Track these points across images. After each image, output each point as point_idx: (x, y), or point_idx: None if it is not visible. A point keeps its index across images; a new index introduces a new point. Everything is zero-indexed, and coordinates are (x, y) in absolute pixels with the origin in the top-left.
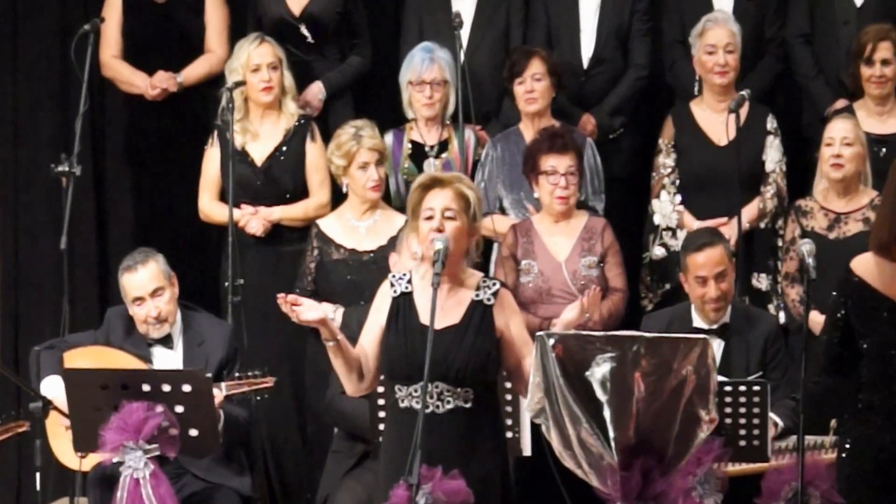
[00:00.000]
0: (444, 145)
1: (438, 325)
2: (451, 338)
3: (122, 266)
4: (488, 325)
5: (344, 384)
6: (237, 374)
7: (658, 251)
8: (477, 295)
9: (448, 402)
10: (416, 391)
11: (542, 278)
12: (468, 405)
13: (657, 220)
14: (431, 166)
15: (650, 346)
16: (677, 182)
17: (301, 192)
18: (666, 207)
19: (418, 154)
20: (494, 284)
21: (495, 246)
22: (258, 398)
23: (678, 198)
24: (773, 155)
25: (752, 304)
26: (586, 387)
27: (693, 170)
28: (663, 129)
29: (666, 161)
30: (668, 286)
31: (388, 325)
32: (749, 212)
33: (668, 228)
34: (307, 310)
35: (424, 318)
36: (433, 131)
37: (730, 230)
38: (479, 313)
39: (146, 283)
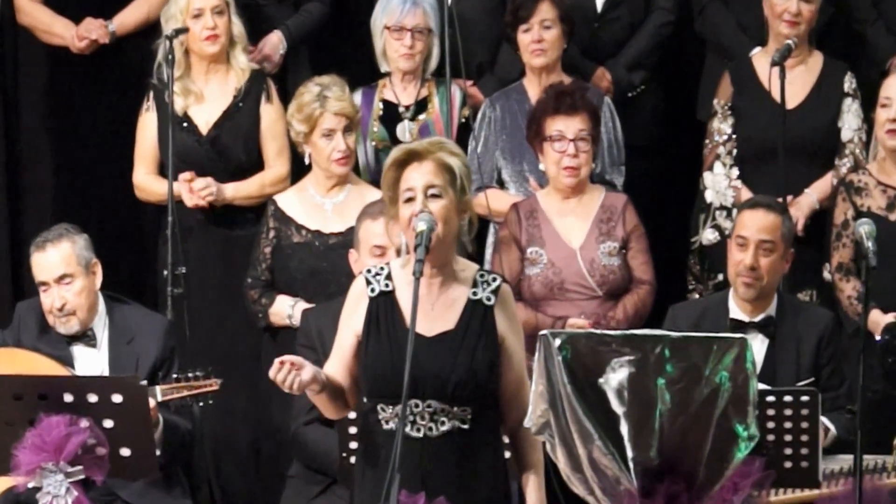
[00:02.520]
0: (421, 105)
1: (430, 331)
2: (446, 347)
3: (34, 242)
4: (490, 330)
5: (326, 415)
6: (175, 376)
7: (710, 235)
8: (474, 293)
9: (443, 423)
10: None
11: (552, 269)
12: (466, 426)
13: (709, 197)
14: (406, 131)
15: (676, 348)
16: (734, 152)
17: (255, 165)
18: (720, 182)
19: (390, 116)
20: (495, 280)
21: (491, 228)
22: (201, 404)
23: (735, 171)
24: (851, 121)
25: (822, 301)
26: (599, 397)
27: (754, 137)
28: (719, 89)
29: (721, 126)
30: (720, 277)
31: (366, 333)
32: (820, 189)
33: (722, 207)
34: (307, 372)
35: (416, 322)
36: (410, 89)
37: (796, 212)
38: (479, 316)
39: (53, 266)
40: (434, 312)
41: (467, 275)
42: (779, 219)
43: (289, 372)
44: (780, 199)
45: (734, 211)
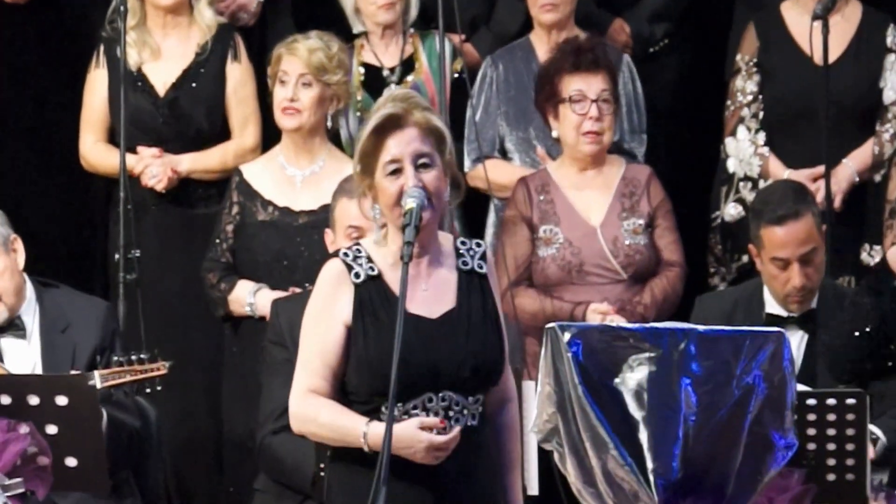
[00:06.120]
0: (408, 65)
1: (433, 313)
2: (453, 327)
3: None
4: (490, 301)
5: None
6: (116, 358)
7: (732, 210)
8: (464, 262)
9: (456, 420)
10: (414, 409)
11: (570, 250)
12: (475, 422)
13: (732, 166)
14: None
15: (704, 343)
16: (761, 115)
17: (219, 133)
18: (744, 149)
19: (374, 80)
20: (478, 245)
21: (492, 206)
22: (148, 391)
23: (761, 137)
24: (894, 81)
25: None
26: (615, 400)
27: (783, 99)
28: (743, 43)
29: (746, 85)
30: (745, 258)
31: (359, 325)
32: (859, 159)
33: (746, 178)
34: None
35: (414, 307)
36: (392, 47)
37: (832, 186)
38: (477, 287)
39: None
40: (429, 293)
41: (448, 246)
42: (809, 217)
43: None
44: (810, 178)
45: (760, 182)
